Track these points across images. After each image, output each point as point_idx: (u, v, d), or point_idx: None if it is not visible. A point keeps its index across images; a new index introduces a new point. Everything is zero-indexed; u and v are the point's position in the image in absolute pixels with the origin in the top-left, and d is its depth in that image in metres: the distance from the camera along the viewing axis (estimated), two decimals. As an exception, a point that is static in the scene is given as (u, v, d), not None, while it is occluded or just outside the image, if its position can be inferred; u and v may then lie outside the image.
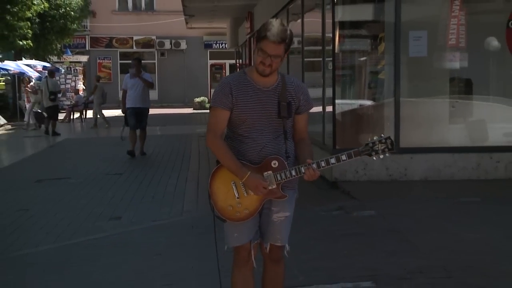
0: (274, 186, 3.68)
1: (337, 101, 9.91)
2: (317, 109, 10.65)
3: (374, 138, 3.73)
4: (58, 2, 29.37)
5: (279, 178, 3.68)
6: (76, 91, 29.61)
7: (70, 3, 30.36)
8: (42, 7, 24.43)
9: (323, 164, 3.65)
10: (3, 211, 8.88)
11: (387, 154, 3.71)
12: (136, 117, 13.78)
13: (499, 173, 9.31)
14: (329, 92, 10.10)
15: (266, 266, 3.99)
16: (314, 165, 3.63)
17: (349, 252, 5.98)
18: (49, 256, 6.60)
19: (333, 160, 3.65)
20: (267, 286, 4.01)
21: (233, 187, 3.72)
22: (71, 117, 26.75)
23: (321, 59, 10.85)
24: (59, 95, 21.64)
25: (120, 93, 15.59)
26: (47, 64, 30.25)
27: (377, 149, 3.69)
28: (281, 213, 3.82)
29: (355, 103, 10.84)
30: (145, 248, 6.61)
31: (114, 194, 9.85)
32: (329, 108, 10.11)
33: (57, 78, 25.76)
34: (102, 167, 12.80)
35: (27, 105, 24.80)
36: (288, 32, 3.62)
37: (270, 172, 3.67)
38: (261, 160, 3.71)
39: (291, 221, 3.91)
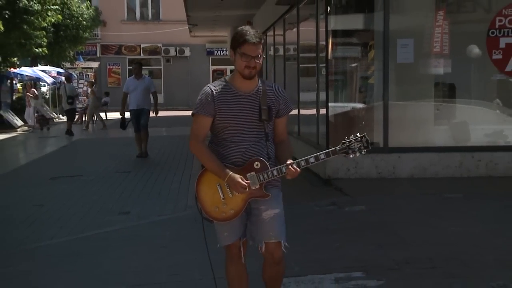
0: (257, 186, 3.62)
1: (330, 104, 9.90)
2: (312, 111, 10.64)
3: (351, 137, 3.66)
4: (71, 12, 29.36)
5: (261, 178, 3.62)
6: (88, 95, 29.60)
7: (82, 14, 30.36)
8: (55, 18, 24.41)
9: (303, 163, 3.60)
10: (21, 206, 8.88)
11: (363, 152, 3.65)
12: (138, 118, 13.43)
13: (480, 171, 9.30)
14: (322, 96, 10.09)
15: (266, 267, 3.84)
16: (295, 165, 3.59)
17: (341, 245, 5.97)
18: (63, 248, 6.61)
19: (312, 159, 3.61)
20: (269, 284, 3.90)
21: (218, 188, 3.67)
22: (83, 119, 26.73)
23: (315, 65, 10.85)
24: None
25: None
26: (61, 70, 30.30)
27: (353, 147, 3.64)
28: (269, 210, 3.71)
29: (347, 106, 10.82)
30: (152, 241, 6.61)
31: (123, 191, 9.84)
32: (322, 111, 10.10)
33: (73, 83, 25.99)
34: (112, 166, 12.79)
35: (28, 109, 24.62)
36: (261, 33, 3.65)
37: (253, 173, 3.62)
38: (244, 163, 3.65)
39: (283, 218, 3.78)
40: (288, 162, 3.60)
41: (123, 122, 13.86)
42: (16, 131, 23.40)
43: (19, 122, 24.67)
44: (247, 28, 3.62)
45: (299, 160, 3.61)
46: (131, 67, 38.07)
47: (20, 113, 26.08)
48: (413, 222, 6.78)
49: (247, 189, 3.60)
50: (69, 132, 20.50)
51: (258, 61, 3.59)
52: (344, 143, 3.65)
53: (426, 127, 10.14)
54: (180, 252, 6.09)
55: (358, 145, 3.64)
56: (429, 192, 8.40)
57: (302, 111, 12.34)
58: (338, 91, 10.72)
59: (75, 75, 32.68)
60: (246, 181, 3.59)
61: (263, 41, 3.61)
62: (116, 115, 24.03)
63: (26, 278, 5.57)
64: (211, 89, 3.68)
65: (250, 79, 3.64)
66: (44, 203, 8.99)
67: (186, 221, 7.55)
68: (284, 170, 3.60)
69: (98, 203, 8.87)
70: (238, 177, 3.59)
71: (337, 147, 3.66)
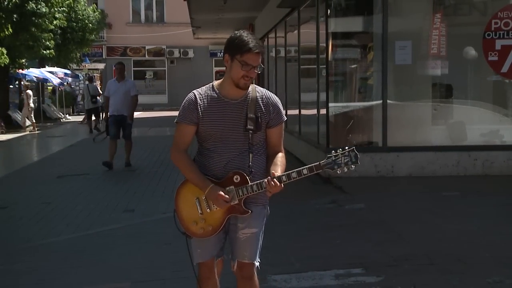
0: (237, 202, 3.31)
1: (330, 104, 9.90)
2: (312, 111, 10.64)
3: (338, 150, 3.29)
4: (77, 15, 29.40)
5: (240, 193, 3.30)
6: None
7: (89, 17, 30.38)
8: (61, 22, 24.43)
9: (284, 178, 3.24)
10: (29, 204, 8.88)
11: (352, 167, 3.27)
12: (117, 125, 11.78)
13: (476, 170, 9.29)
14: (323, 96, 10.09)
15: (239, 284, 3.55)
16: (275, 180, 3.23)
17: (341, 242, 5.97)
18: (69, 244, 6.61)
19: (294, 174, 3.25)
20: None
21: (196, 203, 3.40)
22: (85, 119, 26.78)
23: (315, 66, 10.85)
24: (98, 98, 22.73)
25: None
26: (68, 71, 30.34)
27: (339, 162, 3.27)
28: (246, 229, 3.41)
29: (346, 106, 10.82)
30: (156, 238, 6.60)
31: (127, 189, 9.84)
32: (323, 111, 10.10)
33: (95, 83, 26.41)
34: (117, 165, 12.75)
35: None
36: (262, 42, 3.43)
37: (232, 187, 3.31)
38: (225, 176, 3.35)
39: (259, 237, 3.48)
40: (269, 177, 3.25)
41: (107, 128, 12.18)
42: (24, 131, 23.44)
43: (26, 122, 24.68)
44: (247, 35, 3.31)
45: (281, 175, 3.27)
46: (136, 69, 38.76)
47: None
48: (411, 219, 6.77)
49: (229, 203, 3.32)
50: (97, 129, 21.12)
51: (256, 70, 3.31)
52: (330, 157, 3.29)
53: (424, 127, 10.14)
54: (184, 249, 6.05)
55: (346, 160, 3.27)
56: (426, 190, 8.40)
57: (303, 111, 12.33)
58: (338, 92, 10.71)
59: (81, 76, 32.78)
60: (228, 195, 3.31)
61: (263, 49, 3.34)
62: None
63: (34, 273, 5.57)
64: (195, 96, 3.40)
65: (245, 90, 3.35)
66: (51, 201, 8.99)
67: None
68: (264, 185, 3.27)
69: (103, 201, 8.87)
70: (219, 190, 3.30)
71: (322, 162, 3.29)
